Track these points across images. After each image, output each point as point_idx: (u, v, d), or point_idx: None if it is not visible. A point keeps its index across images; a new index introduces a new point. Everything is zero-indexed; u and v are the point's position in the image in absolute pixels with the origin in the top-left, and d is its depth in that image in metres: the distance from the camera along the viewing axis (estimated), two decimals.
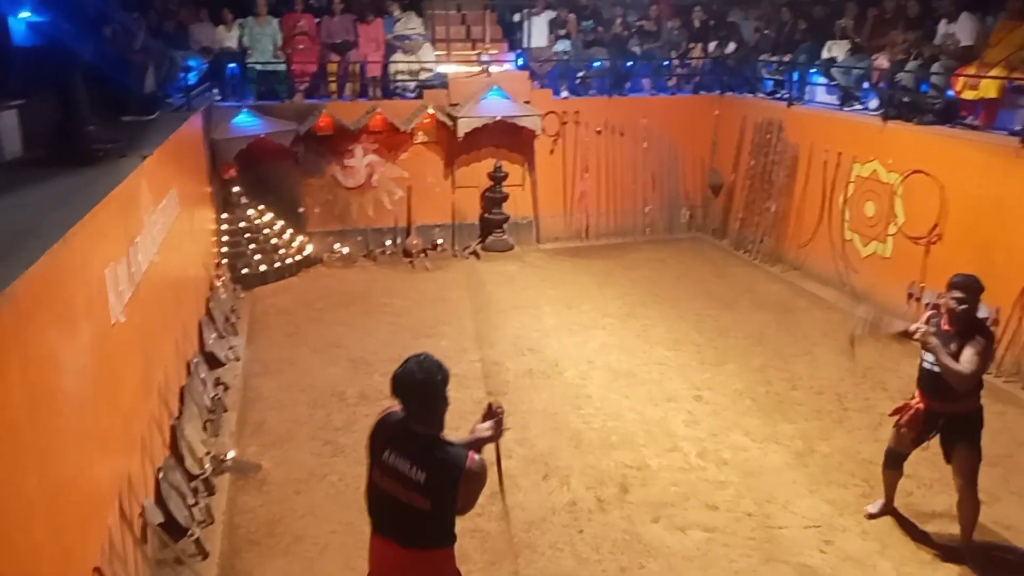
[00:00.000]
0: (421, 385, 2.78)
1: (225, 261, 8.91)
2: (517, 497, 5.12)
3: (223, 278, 8.35)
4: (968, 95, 7.78)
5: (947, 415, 4.48)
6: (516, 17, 11.75)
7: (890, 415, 4.83)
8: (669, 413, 6.28)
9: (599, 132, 10.95)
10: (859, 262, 8.80)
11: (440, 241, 10.42)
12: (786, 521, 4.94)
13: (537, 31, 11.36)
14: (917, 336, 4.41)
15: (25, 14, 5.62)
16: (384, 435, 2.87)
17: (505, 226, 10.52)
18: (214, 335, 6.98)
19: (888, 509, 5.00)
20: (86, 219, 3.62)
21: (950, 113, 7.98)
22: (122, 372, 4.09)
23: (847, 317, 8.25)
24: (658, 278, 9.64)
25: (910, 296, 8.00)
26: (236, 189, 9.36)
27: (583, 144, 10.93)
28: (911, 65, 8.31)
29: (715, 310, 8.55)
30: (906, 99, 8.30)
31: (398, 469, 2.78)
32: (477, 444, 3.04)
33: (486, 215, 10.51)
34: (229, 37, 9.98)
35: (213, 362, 6.69)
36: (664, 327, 8.06)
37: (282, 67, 10.00)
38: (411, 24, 10.67)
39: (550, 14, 11.47)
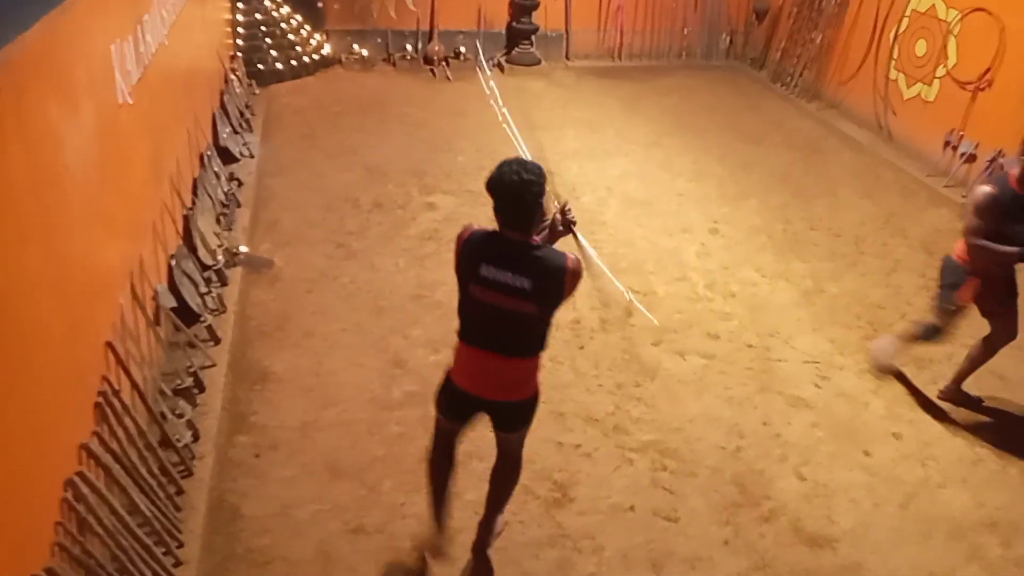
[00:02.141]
0: (519, 190, 2.74)
1: (240, 55, 8.57)
2: None
3: (238, 72, 8.07)
4: None
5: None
6: None
7: (945, 305, 4.47)
8: (682, 244, 6.23)
9: None
10: (900, 104, 8.37)
11: (463, 49, 9.94)
12: (785, 355, 5.01)
13: None
14: None
15: None
16: (477, 252, 2.87)
17: (533, 38, 9.98)
18: (228, 130, 6.84)
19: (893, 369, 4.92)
20: None
21: None
22: (130, 155, 4.01)
23: (878, 162, 8.02)
24: (688, 107, 9.26)
25: (947, 144, 7.68)
26: None
27: None
28: None
29: (742, 144, 8.27)
30: None
31: (500, 281, 2.82)
32: (553, 241, 3.11)
33: (514, 24, 9.95)
34: None
35: (227, 157, 6.59)
36: (688, 158, 7.84)
37: None
38: None
39: None
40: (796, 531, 3.77)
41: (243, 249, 5.47)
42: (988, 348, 4.51)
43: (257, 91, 8.45)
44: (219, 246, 5.29)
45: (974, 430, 4.51)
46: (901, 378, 4.87)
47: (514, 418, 3.16)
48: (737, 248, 6.23)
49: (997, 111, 7.21)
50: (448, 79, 9.46)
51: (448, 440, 3.30)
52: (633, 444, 4.20)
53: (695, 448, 4.22)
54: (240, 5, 8.80)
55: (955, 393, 4.70)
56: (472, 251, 2.89)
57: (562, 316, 5.17)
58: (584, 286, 5.47)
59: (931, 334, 4.57)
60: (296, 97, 8.56)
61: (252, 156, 6.94)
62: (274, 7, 9.02)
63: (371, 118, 8.16)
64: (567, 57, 10.41)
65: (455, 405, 3.16)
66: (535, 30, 9.92)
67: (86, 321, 3.12)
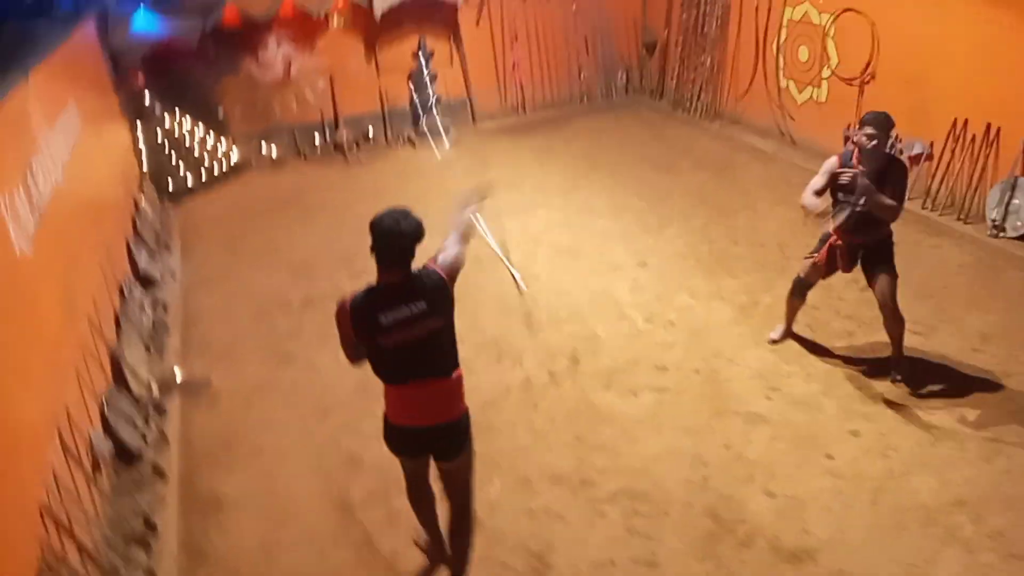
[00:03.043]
0: (400, 235, 3.03)
1: (148, 176, 8.50)
2: (471, 381, 5.12)
3: (148, 194, 7.99)
4: None
5: (868, 245, 4.76)
6: None
7: (807, 258, 5.04)
8: (615, 283, 6.30)
9: None
10: (796, 109, 8.72)
11: (371, 131, 10.03)
12: (733, 374, 5.07)
13: None
14: (845, 180, 4.50)
15: None
16: (368, 309, 3.10)
17: (438, 108, 10.15)
18: (145, 255, 6.73)
19: (788, 334, 5.35)
20: None
21: None
22: (38, 305, 3.91)
23: (787, 168, 8.29)
24: (598, 147, 9.48)
25: (847, 139, 7.98)
26: (148, 98, 8.81)
27: (510, 11, 10.42)
28: None
29: (655, 174, 8.48)
30: None
31: (400, 319, 3.07)
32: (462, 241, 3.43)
33: (416, 98, 10.11)
34: None
35: (148, 282, 6.47)
36: (606, 197, 7.99)
37: None
38: None
39: None
40: (775, 550, 3.76)
41: (177, 374, 5.34)
42: (886, 320, 4.81)
43: (171, 210, 8.36)
44: (152, 376, 5.15)
45: (927, 411, 4.60)
46: (848, 371, 4.98)
47: (455, 440, 3.37)
48: (668, 276, 6.33)
49: (886, 99, 7.52)
50: (361, 162, 9.52)
51: (417, 475, 3.54)
52: (602, 495, 4.17)
53: (663, 486, 4.20)
54: (140, 128, 8.76)
55: (903, 368, 4.90)
56: (362, 312, 3.11)
57: (511, 377, 5.20)
58: (528, 342, 5.54)
59: (796, 286, 5.12)
60: (212, 208, 8.50)
61: (174, 277, 6.83)
62: (175, 123, 9.00)
63: (291, 215, 8.13)
64: (473, 120, 10.59)
65: (404, 443, 3.38)
66: (438, 100, 10.08)
67: (12, 489, 2.98)
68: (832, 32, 7.99)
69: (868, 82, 7.69)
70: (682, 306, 5.87)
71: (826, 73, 8.18)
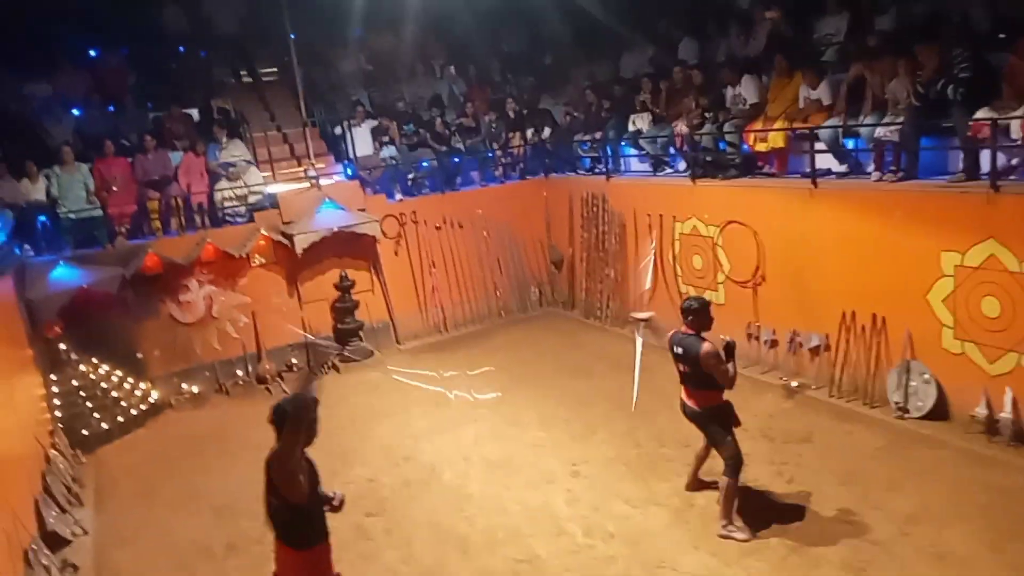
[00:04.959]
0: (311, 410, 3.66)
1: (60, 426, 8.20)
2: None
3: (59, 445, 7.67)
4: (760, 147, 8.59)
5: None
6: (337, 130, 11.90)
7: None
8: (550, 495, 6.28)
9: (439, 228, 11.16)
10: None
11: (295, 361, 10.11)
12: None
13: (360, 141, 11.55)
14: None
15: None
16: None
17: (361, 333, 10.38)
18: (55, 512, 6.35)
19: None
20: None
21: (749, 166, 8.74)
22: None
23: None
24: (519, 359, 9.77)
25: (750, 336, 8.52)
26: (63, 347, 8.71)
27: (426, 241, 11.09)
28: (707, 127, 9.09)
29: (576, 380, 8.75)
30: (708, 158, 9.02)
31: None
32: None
33: (339, 326, 10.34)
34: (36, 189, 9.47)
35: (57, 542, 6.06)
36: (532, 408, 8.14)
37: (98, 213, 9.57)
38: (235, 151, 10.54)
39: (371, 123, 11.71)
40: None
41: None
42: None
43: (84, 459, 8.00)
44: None
45: None
46: (789, 570, 4.98)
47: None
48: (601, 484, 6.36)
49: (777, 297, 8.21)
50: (285, 393, 9.47)
51: None
52: None
53: None
54: (54, 377, 8.57)
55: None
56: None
57: None
58: (467, 570, 5.35)
59: (739, 463, 5.45)
60: (128, 455, 8.18)
61: (86, 533, 6.42)
62: (91, 369, 8.85)
63: (211, 454, 7.90)
64: (398, 342, 10.85)
65: None
66: (361, 326, 10.34)
67: None
68: (720, 242, 8.78)
69: (760, 284, 8.37)
70: (619, 514, 5.86)
71: (720, 278, 8.88)
